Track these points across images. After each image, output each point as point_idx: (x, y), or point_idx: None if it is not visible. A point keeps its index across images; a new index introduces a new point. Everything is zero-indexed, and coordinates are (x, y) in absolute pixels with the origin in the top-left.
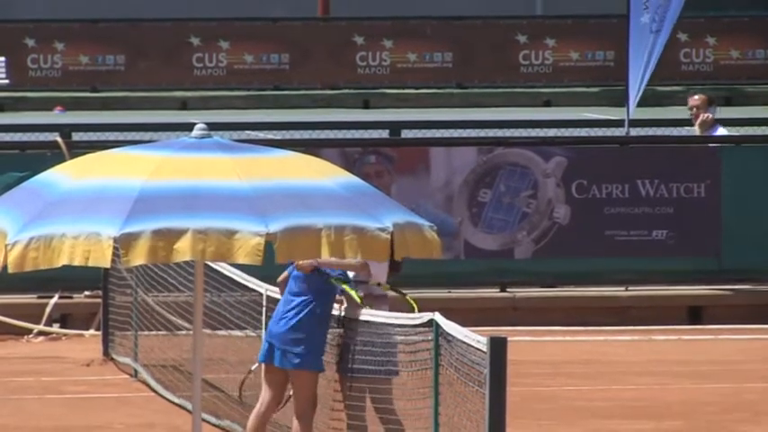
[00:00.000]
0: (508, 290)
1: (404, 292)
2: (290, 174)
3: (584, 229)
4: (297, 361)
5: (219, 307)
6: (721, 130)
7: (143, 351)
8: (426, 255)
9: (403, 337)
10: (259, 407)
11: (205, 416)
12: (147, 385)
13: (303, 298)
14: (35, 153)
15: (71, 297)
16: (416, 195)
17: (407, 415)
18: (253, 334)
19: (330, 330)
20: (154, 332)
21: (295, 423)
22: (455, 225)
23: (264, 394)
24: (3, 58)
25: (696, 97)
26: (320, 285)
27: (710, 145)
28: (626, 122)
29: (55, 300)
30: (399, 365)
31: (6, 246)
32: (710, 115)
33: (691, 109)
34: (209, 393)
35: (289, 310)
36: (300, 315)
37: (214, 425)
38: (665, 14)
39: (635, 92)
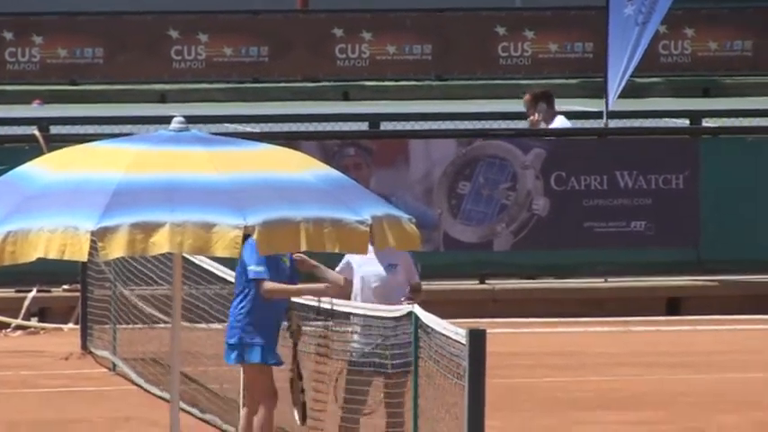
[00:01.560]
0: (487, 282)
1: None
2: (269, 167)
3: (562, 221)
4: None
5: (198, 300)
6: (559, 121)
7: (122, 344)
8: (405, 247)
9: (383, 330)
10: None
11: (185, 408)
12: (126, 378)
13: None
14: (13, 146)
15: (49, 291)
16: (395, 187)
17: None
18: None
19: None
20: (132, 326)
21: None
22: (434, 217)
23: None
24: None
25: (525, 97)
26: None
27: (687, 136)
28: (604, 114)
29: (33, 294)
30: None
31: None
32: (536, 117)
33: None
34: (188, 386)
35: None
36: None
37: (194, 417)
38: (653, 6)
39: (615, 84)
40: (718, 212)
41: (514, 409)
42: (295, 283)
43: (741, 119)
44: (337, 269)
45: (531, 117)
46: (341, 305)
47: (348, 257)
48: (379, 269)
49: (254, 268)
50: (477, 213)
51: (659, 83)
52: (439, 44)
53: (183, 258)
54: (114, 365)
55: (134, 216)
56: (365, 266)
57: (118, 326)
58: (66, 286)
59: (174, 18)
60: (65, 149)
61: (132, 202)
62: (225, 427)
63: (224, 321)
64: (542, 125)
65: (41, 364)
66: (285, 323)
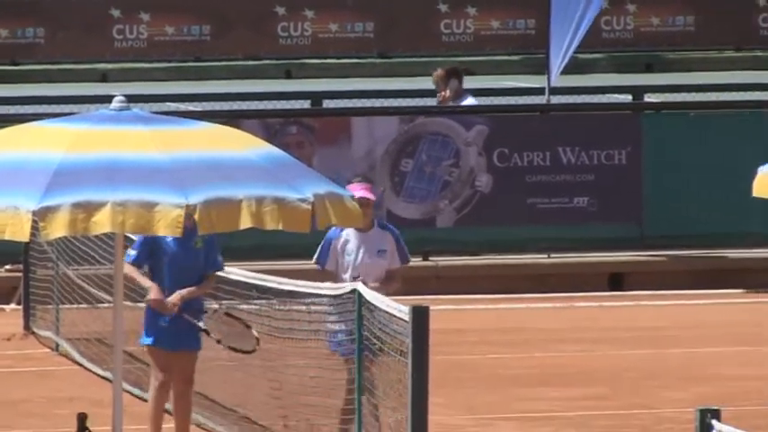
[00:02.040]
0: (431, 259)
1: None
2: (211, 145)
3: (505, 198)
4: None
5: None
6: (469, 100)
7: (65, 324)
8: (347, 224)
9: (327, 308)
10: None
11: (128, 387)
12: (69, 358)
13: None
14: None
15: None
16: (338, 165)
17: (333, 385)
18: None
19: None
20: (75, 305)
21: None
22: (378, 194)
23: None
24: None
25: (437, 72)
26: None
27: (630, 112)
28: (547, 90)
29: None
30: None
31: None
32: (445, 94)
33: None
34: (132, 365)
35: None
36: None
37: (137, 397)
38: None
39: (558, 60)
40: (660, 188)
41: (458, 385)
42: (207, 269)
43: (684, 94)
44: (324, 262)
45: (442, 93)
46: (284, 283)
47: (334, 242)
48: (372, 256)
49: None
50: (419, 190)
51: (602, 59)
52: (381, 22)
53: (125, 237)
54: (57, 345)
55: (75, 196)
56: (359, 252)
57: (61, 306)
58: (8, 266)
59: None
60: (5, 129)
61: (73, 182)
62: (168, 406)
63: None
64: (450, 103)
65: None
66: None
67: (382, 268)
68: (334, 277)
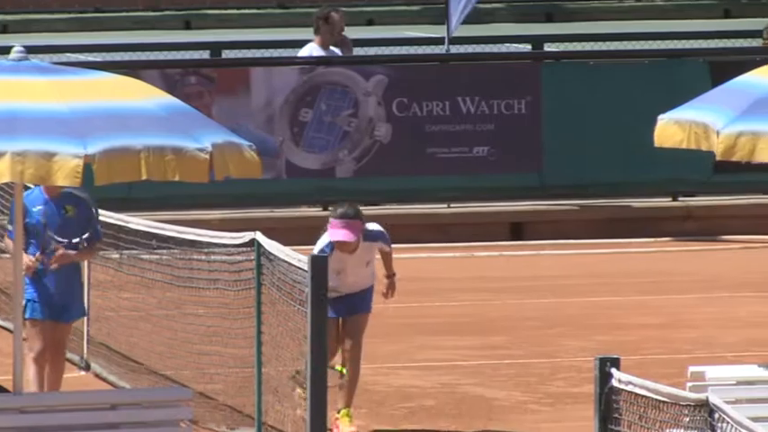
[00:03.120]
0: (330, 209)
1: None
2: (110, 95)
3: (405, 147)
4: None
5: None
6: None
7: None
8: (246, 174)
9: (226, 257)
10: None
11: None
12: None
13: None
14: None
15: None
16: (237, 116)
17: (232, 334)
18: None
19: None
20: None
21: None
22: (276, 145)
23: None
24: None
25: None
26: None
27: (529, 62)
28: (446, 40)
29: None
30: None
31: None
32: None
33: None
34: None
35: None
36: None
37: None
38: None
39: (458, 10)
40: (560, 137)
41: None
42: (79, 236)
43: (583, 43)
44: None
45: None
46: (184, 232)
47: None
48: (361, 269)
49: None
50: (319, 140)
51: (501, 8)
52: None
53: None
54: None
55: None
56: (347, 272)
57: None
58: None
59: None
60: None
61: None
62: (70, 355)
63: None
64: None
65: None
66: None
67: (370, 272)
68: None
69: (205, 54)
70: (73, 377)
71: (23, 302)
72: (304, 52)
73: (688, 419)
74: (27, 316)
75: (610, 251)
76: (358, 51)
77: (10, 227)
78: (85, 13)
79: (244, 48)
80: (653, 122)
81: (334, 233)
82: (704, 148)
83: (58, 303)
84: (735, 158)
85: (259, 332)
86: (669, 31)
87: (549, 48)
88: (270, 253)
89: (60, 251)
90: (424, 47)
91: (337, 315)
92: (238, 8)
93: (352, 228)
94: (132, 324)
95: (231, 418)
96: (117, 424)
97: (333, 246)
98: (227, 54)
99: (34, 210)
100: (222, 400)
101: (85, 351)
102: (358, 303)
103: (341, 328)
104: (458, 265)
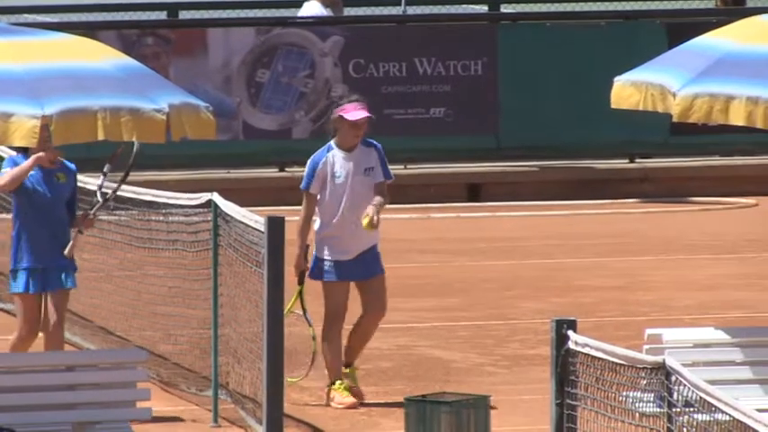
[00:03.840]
0: (287, 170)
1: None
2: (66, 56)
3: None
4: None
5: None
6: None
7: None
8: (202, 135)
9: (183, 218)
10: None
11: None
12: None
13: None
14: None
15: None
16: (194, 77)
17: (193, 295)
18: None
19: None
20: None
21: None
22: (233, 106)
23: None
24: None
25: None
26: None
27: (486, 23)
28: (403, 1)
29: None
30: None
31: None
32: None
33: None
34: None
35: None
36: None
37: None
38: None
39: None
40: (517, 99)
41: (315, 296)
42: (72, 209)
43: (540, 5)
44: (308, 186)
45: None
46: (142, 193)
47: (321, 166)
48: (359, 174)
49: None
50: (276, 101)
51: None
52: None
53: None
54: None
55: None
56: (348, 173)
57: None
58: None
59: None
60: None
61: None
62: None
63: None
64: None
65: None
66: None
67: (371, 186)
68: (316, 202)
69: (162, 15)
70: None
71: (17, 273)
72: (306, 11)
73: (645, 382)
74: (19, 290)
75: (567, 213)
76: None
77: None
78: None
79: (201, 9)
80: (610, 84)
81: (354, 113)
82: (660, 110)
83: (46, 271)
84: (691, 120)
85: (216, 294)
86: None
87: (505, 9)
88: (226, 214)
89: (83, 214)
90: (380, 8)
91: (350, 278)
92: None
93: (367, 108)
94: (94, 285)
95: (198, 381)
96: (73, 385)
97: (326, 150)
98: (184, 15)
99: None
100: (189, 363)
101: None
102: (372, 263)
103: (361, 292)
104: (415, 227)
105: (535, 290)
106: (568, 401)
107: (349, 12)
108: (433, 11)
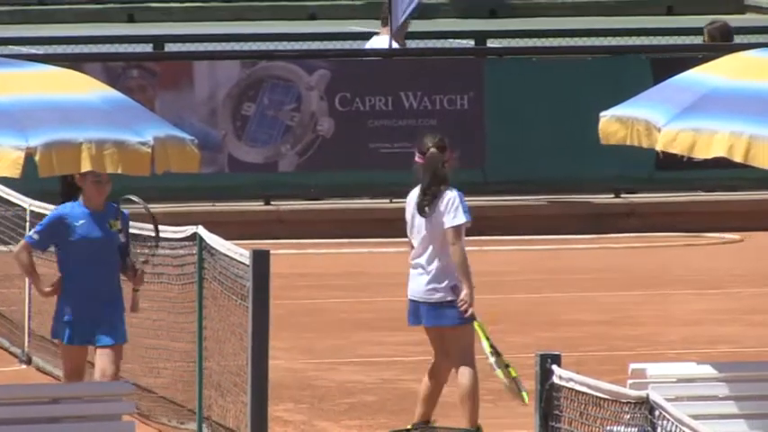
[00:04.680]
0: (273, 203)
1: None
2: (51, 88)
3: (348, 142)
4: None
5: None
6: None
7: None
8: (186, 168)
9: (169, 251)
10: None
11: None
12: None
13: None
14: None
15: None
16: (180, 109)
17: (177, 328)
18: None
19: None
20: None
21: None
22: (219, 139)
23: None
24: None
25: None
26: None
27: (472, 57)
28: (390, 36)
29: None
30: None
31: None
32: None
33: None
34: None
35: None
36: None
37: None
38: None
39: (402, 5)
40: (503, 133)
41: (300, 329)
42: (126, 253)
43: (526, 39)
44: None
45: None
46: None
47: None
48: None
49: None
50: (261, 135)
51: (445, 4)
52: None
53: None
54: None
55: None
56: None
57: None
58: None
59: None
60: None
61: None
62: (12, 349)
63: (10, 243)
64: None
65: None
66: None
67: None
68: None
69: (148, 47)
70: (14, 371)
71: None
72: (374, 44)
73: (629, 416)
74: (55, 337)
75: (552, 247)
76: (300, 46)
77: (35, 235)
78: (29, 5)
79: (187, 41)
80: (595, 119)
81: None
82: (646, 145)
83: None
84: (674, 151)
85: (200, 327)
86: (612, 27)
87: (492, 44)
88: (212, 247)
89: (138, 269)
90: (367, 41)
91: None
92: (181, 1)
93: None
94: None
95: (180, 414)
96: (58, 418)
97: None
98: (170, 47)
99: (77, 224)
100: (171, 396)
101: (26, 345)
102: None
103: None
104: (400, 261)
105: (521, 324)
106: None
107: (336, 45)
108: (420, 45)
